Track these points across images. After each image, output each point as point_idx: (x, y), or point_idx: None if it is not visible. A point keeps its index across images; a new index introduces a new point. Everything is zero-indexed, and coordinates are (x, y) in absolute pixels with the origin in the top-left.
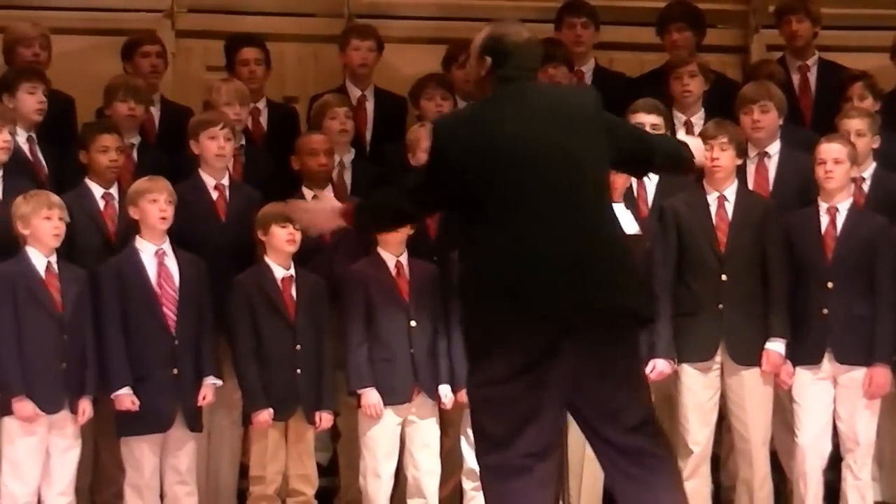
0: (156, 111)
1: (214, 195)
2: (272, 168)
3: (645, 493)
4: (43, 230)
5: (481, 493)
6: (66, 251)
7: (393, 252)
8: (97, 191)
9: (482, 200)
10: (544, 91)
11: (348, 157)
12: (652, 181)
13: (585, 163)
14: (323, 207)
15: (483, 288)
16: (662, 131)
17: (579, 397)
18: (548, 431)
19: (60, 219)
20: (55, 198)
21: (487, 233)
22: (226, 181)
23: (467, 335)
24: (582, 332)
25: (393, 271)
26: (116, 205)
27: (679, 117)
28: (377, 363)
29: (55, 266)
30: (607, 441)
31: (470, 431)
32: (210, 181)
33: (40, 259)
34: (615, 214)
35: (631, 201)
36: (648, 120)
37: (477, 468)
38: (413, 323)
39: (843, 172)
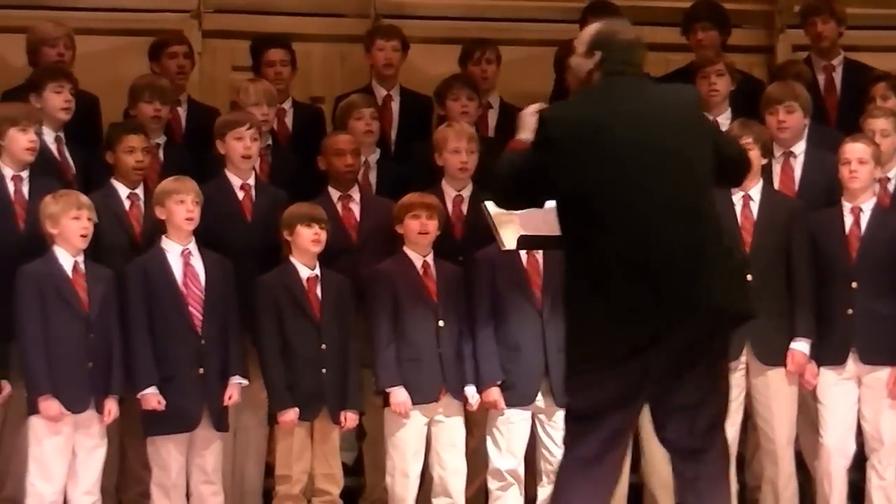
0: (182, 111)
1: (240, 195)
2: (298, 168)
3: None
4: (71, 230)
5: (506, 492)
6: (92, 251)
7: (420, 252)
8: (123, 191)
9: (589, 195)
10: (653, 88)
11: (373, 157)
12: None
13: (695, 163)
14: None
15: (591, 279)
16: None
17: (659, 391)
18: (629, 421)
19: (89, 219)
20: (84, 198)
21: (596, 225)
22: (252, 181)
23: (572, 326)
24: (679, 330)
25: (420, 271)
26: (142, 205)
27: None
28: (405, 363)
29: (82, 266)
30: (669, 440)
31: (496, 431)
32: (236, 181)
33: (67, 259)
34: (718, 215)
35: None
36: None
37: (502, 468)
38: (441, 323)
39: (867, 172)
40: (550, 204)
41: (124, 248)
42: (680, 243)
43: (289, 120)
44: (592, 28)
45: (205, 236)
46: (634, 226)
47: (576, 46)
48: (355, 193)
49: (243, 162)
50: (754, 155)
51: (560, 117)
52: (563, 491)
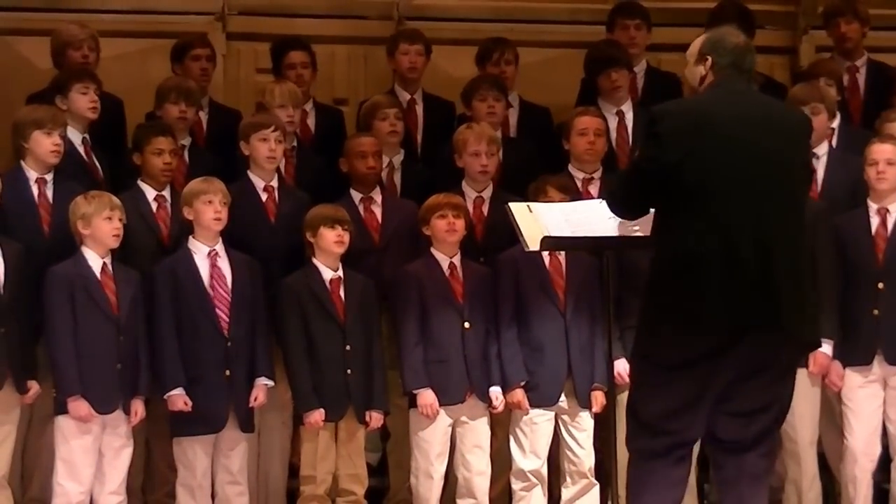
0: (204, 114)
1: (264, 197)
2: (323, 170)
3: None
4: (104, 231)
5: (530, 493)
6: (120, 253)
7: (447, 253)
8: (150, 193)
9: (691, 191)
10: (765, 98)
11: (398, 158)
12: None
13: (795, 176)
14: None
15: (679, 278)
16: None
17: (726, 393)
18: (693, 424)
19: (120, 219)
20: (115, 199)
21: (692, 224)
22: (275, 183)
23: (651, 317)
24: (754, 340)
25: (447, 272)
26: (169, 207)
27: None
28: (431, 364)
29: (110, 267)
30: (717, 439)
31: (519, 432)
32: (259, 183)
33: (96, 260)
34: (805, 232)
35: None
36: None
37: (525, 469)
38: (467, 325)
39: (894, 173)
40: (578, 204)
41: (152, 249)
42: (787, 261)
43: (311, 122)
44: (700, 38)
45: (229, 238)
46: (729, 223)
47: (687, 58)
48: (377, 195)
49: (268, 163)
50: None
51: (667, 111)
52: (644, 488)
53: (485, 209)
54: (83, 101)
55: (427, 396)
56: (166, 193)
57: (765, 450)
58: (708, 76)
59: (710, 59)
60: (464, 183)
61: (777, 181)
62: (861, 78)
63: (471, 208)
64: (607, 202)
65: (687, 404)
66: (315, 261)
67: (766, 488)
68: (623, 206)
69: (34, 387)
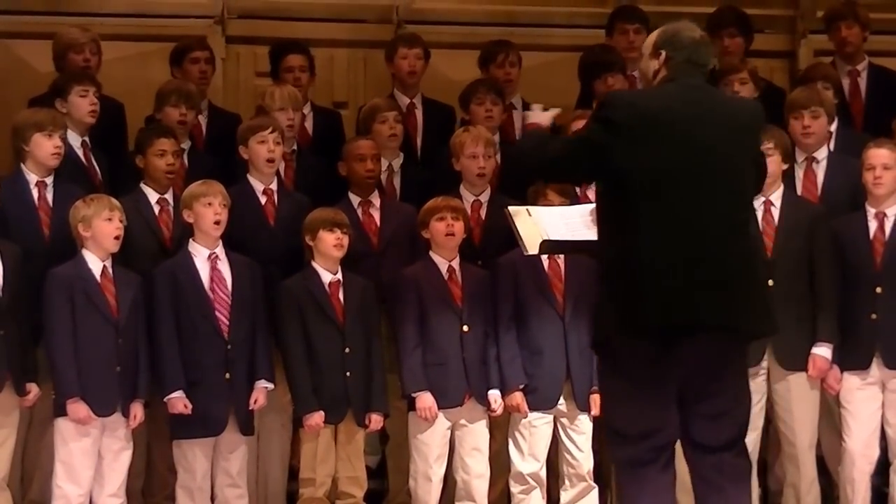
0: (203, 117)
1: (263, 200)
2: (323, 172)
3: (719, 500)
4: (104, 232)
5: (528, 496)
6: (122, 256)
7: (446, 256)
8: (152, 196)
9: (638, 186)
10: (718, 93)
11: (397, 161)
12: None
13: (745, 176)
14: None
15: (627, 276)
16: None
17: (691, 394)
18: (665, 425)
19: (121, 220)
20: (115, 201)
21: (639, 222)
22: (274, 186)
23: (600, 319)
24: (705, 336)
25: (445, 276)
26: (172, 210)
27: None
28: (430, 367)
29: (110, 270)
30: (695, 444)
31: (518, 435)
32: (259, 186)
33: (96, 263)
34: (752, 227)
35: None
36: None
37: (524, 471)
38: (465, 328)
39: (891, 178)
40: (577, 208)
41: (154, 252)
42: (736, 257)
43: (308, 125)
44: (657, 31)
45: (228, 241)
46: (690, 225)
47: (642, 51)
48: (376, 199)
49: (267, 166)
50: (775, 160)
51: (626, 101)
52: (640, 497)
53: (483, 212)
54: (83, 104)
55: (426, 400)
56: (169, 196)
57: (739, 450)
58: (661, 70)
59: (664, 53)
60: (462, 186)
61: (726, 177)
62: (862, 82)
63: (469, 211)
64: (530, 150)
65: (655, 406)
66: (314, 264)
67: (749, 490)
68: (545, 168)
69: (34, 389)
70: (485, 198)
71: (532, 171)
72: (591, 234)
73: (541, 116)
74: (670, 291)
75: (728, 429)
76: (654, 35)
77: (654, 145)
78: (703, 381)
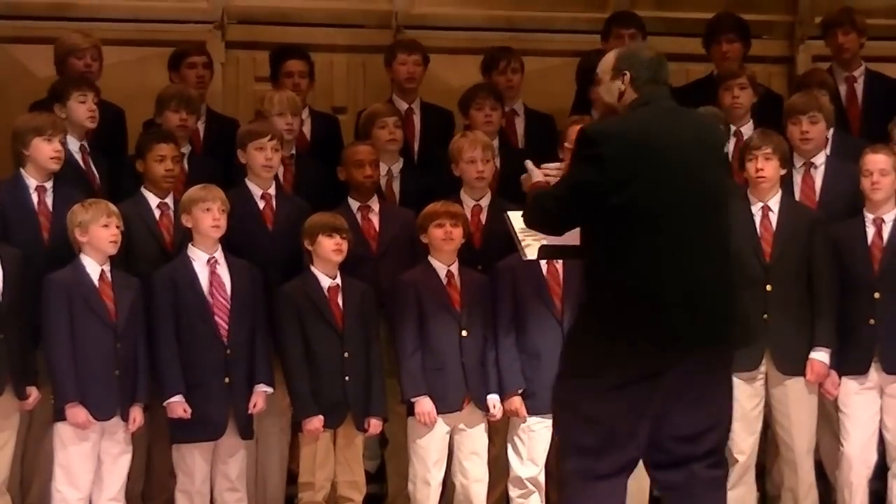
0: (201, 123)
1: (261, 204)
2: (322, 177)
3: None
4: (101, 238)
5: (527, 500)
6: (123, 261)
7: (444, 261)
8: (153, 200)
9: (631, 215)
10: (687, 115)
11: (397, 166)
12: None
13: (724, 198)
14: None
15: (618, 301)
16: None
17: (665, 416)
18: (636, 448)
19: (118, 226)
20: (112, 206)
21: (629, 248)
22: (273, 190)
23: (585, 341)
24: (691, 358)
25: (444, 280)
26: (172, 214)
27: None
28: (429, 372)
29: (108, 274)
30: (670, 456)
31: (517, 439)
32: (257, 191)
33: (94, 267)
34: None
35: None
36: None
37: (523, 476)
38: (464, 332)
39: (889, 183)
40: None
41: (155, 257)
42: (718, 279)
43: (306, 129)
44: (612, 53)
45: (227, 245)
46: (681, 252)
47: (600, 76)
48: (375, 204)
49: (264, 171)
50: (773, 165)
51: (610, 134)
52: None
53: (483, 217)
54: (81, 109)
55: (425, 404)
56: (169, 201)
57: (714, 461)
58: (627, 91)
59: (628, 74)
60: (462, 191)
61: (714, 200)
62: (859, 88)
63: (469, 216)
64: (534, 217)
65: (630, 423)
66: (313, 268)
67: (725, 499)
68: (557, 224)
69: (33, 392)
70: (485, 202)
71: (547, 230)
72: None
73: (538, 174)
74: (662, 321)
75: (708, 442)
76: (611, 57)
77: (645, 177)
78: (684, 403)
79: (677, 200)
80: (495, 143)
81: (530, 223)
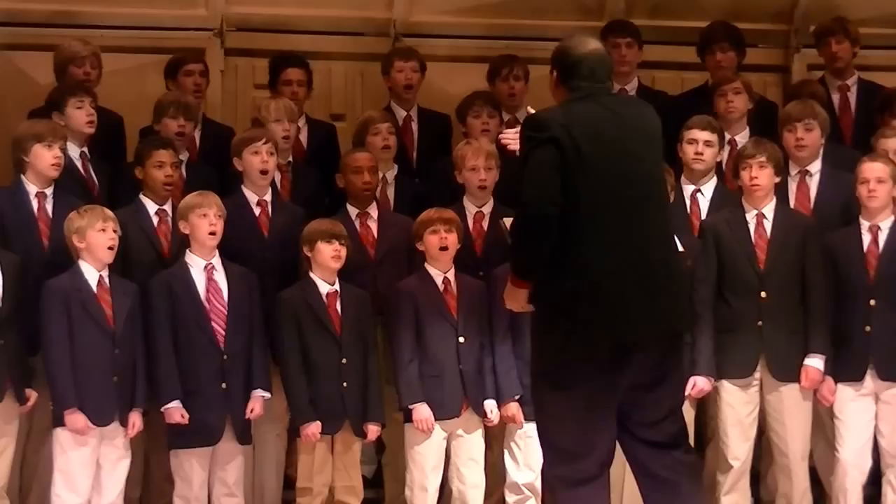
0: (197, 130)
1: (257, 211)
2: (319, 184)
3: (673, 497)
4: (98, 243)
5: None
6: (121, 267)
7: (441, 269)
8: (151, 207)
9: (579, 201)
10: (619, 102)
11: (391, 172)
12: (705, 197)
13: (657, 179)
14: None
15: (565, 297)
16: (716, 148)
17: (628, 405)
18: (611, 439)
19: (115, 231)
20: (109, 212)
21: (577, 240)
22: (268, 198)
23: (541, 338)
24: (645, 345)
25: (441, 287)
26: (170, 221)
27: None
28: (426, 379)
29: (107, 281)
30: (645, 442)
31: (513, 445)
32: (253, 198)
33: (93, 273)
34: (670, 215)
35: (684, 216)
36: (702, 136)
37: (519, 481)
38: (462, 339)
39: (885, 191)
40: None
41: (153, 263)
42: (664, 265)
43: (303, 137)
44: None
45: (223, 252)
46: (604, 237)
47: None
48: (373, 210)
49: (260, 178)
50: (767, 173)
51: (557, 122)
52: None
53: (485, 224)
54: (79, 115)
55: (422, 411)
56: (167, 208)
57: (687, 447)
58: (558, 89)
59: (556, 72)
60: (465, 198)
61: (654, 190)
62: (852, 97)
63: (471, 223)
64: (520, 232)
65: (601, 421)
66: (312, 275)
67: (703, 488)
68: (540, 218)
69: (32, 395)
70: (487, 209)
71: (535, 240)
72: None
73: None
74: (618, 309)
75: (671, 426)
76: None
77: (589, 165)
78: (647, 385)
79: (621, 192)
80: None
81: (521, 243)
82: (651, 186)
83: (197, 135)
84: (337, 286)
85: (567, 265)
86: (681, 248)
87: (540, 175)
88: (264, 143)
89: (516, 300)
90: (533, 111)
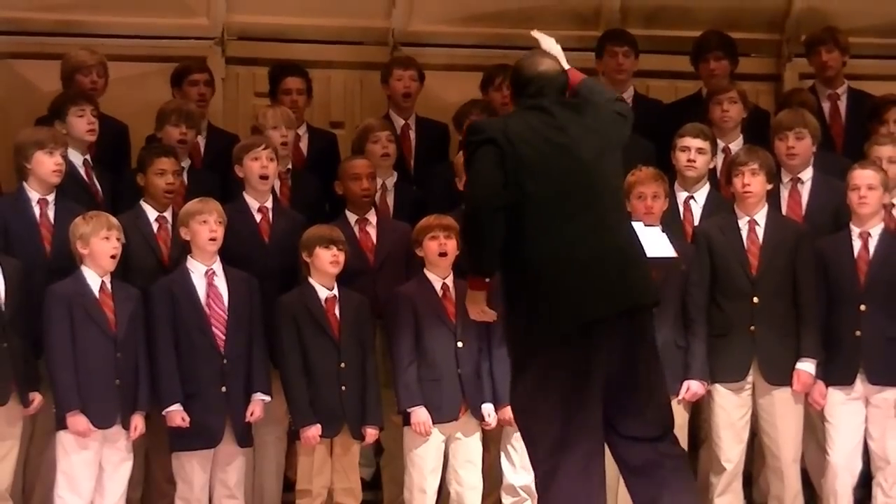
0: (202, 138)
1: (258, 217)
2: (318, 191)
3: (661, 490)
4: (101, 250)
5: None
6: (121, 272)
7: (440, 274)
8: (152, 213)
9: (531, 201)
10: (564, 108)
11: (391, 180)
12: (698, 203)
13: (606, 175)
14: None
15: (529, 291)
16: (708, 155)
17: (608, 399)
18: (594, 430)
19: (118, 240)
20: (113, 220)
21: (526, 235)
22: (269, 204)
23: (510, 336)
24: (613, 327)
25: (440, 293)
26: (170, 228)
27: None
28: (425, 383)
29: (109, 286)
30: (626, 436)
31: (510, 448)
32: (254, 204)
33: (95, 279)
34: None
35: (677, 222)
36: (695, 144)
37: (515, 484)
38: (460, 344)
39: (876, 198)
40: None
41: (152, 269)
42: (614, 251)
43: (304, 145)
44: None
45: (224, 258)
46: (575, 231)
47: None
48: (372, 217)
49: (261, 183)
50: (759, 180)
51: (495, 127)
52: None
53: None
54: (80, 123)
55: (420, 415)
56: (167, 214)
57: (670, 439)
58: (512, 103)
59: (509, 90)
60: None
61: (595, 183)
62: (842, 105)
63: None
64: (469, 232)
65: (585, 413)
66: (311, 280)
67: (693, 481)
68: (478, 212)
69: (37, 398)
70: None
71: (483, 233)
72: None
73: None
74: (569, 294)
75: (654, 415)
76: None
77: (529, 164)
78: (622, 368)
79: (561, 188)
80: None
81: (472, 238)
82: (598, 182)
83: (202, 142)
84: (335, 291)
85: (516, 260)
86: (674, 254)
87: (481, 172)
88: (264, 149)
89: (475, 302)
90: None
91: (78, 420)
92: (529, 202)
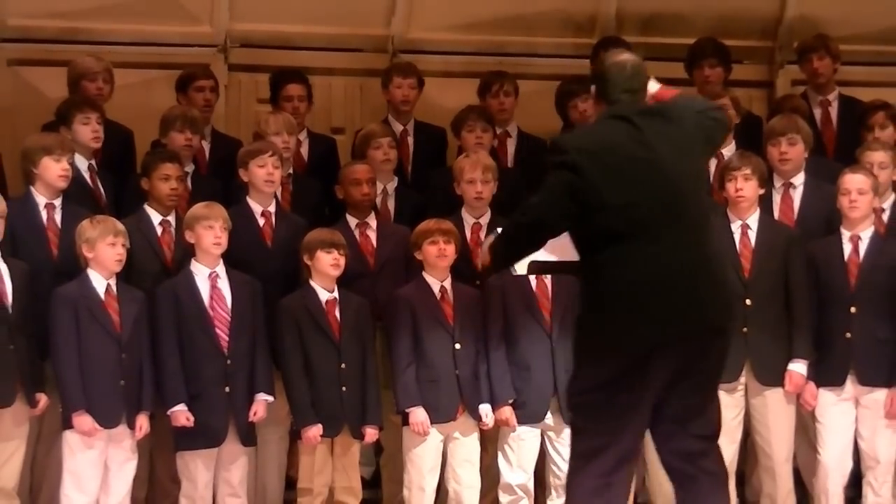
0: (206, 143)
1: (261, 222)
2: (319, 195)
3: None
4: (107, 255)
5: None
6: (124, 274)
7: (438, 277)
8: (155, 218)
9: (604, 215)
10: (647, 118)
11: (391, 184)
12: None
13: (700, 180)
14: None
15: (613, 300)
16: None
17: (664, 401)
18: (635, 437)
19: (123, 245)
20: (120, 225)
21: (613, 248)
22: (272, 208)
23: (586, 342)
24: (685, 342)
25: (438, 295)
26: (173, 231)
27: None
28: (423, 384)
29: (114, 288)
30: (674, 448)
31: (507, 448)
32: (257, 208)
33: (101, 281)
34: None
35: None
36: None
37: (512, 482)
38: (458, 346)
39: (866, 202)
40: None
41: (155, 272)
42: (700, 261)
43: (304, 150)
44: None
45: (227, 261)
46: (661, 243)
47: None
48: (372, 221)
49: (266, 187)
50: (752, 185)
51: (572, 145)
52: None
53: (482, 235)
54: (85, 130)
55: (418, 415)
56: (171, 218)
57: (715, 455)
58: (597, 105)
59: (594, 88)
60: (463, 209)
61: (689, 191)
62: (833, 111)
63: (469, 234)
64: (512, 238)
65: (624, 410)
66: (312, 282)
67: (727, 491)
68: (533, 232)
69: (43, 398)
70: (484, 220)
71: (522, 244)
72: (577, 255)
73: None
74: (651, 311)
75: (701, 428)
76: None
77: (611, 180)
78: (674, 387)
79: (646, 202)
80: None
81: (509, 248)
82: (682, 197)
83: (206, 147)
84: (336, 293)
85: (598, 269)
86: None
87: (549, 196)
88: (270, 156)
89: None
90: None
91: (84, 420)
92: (611, 215)
